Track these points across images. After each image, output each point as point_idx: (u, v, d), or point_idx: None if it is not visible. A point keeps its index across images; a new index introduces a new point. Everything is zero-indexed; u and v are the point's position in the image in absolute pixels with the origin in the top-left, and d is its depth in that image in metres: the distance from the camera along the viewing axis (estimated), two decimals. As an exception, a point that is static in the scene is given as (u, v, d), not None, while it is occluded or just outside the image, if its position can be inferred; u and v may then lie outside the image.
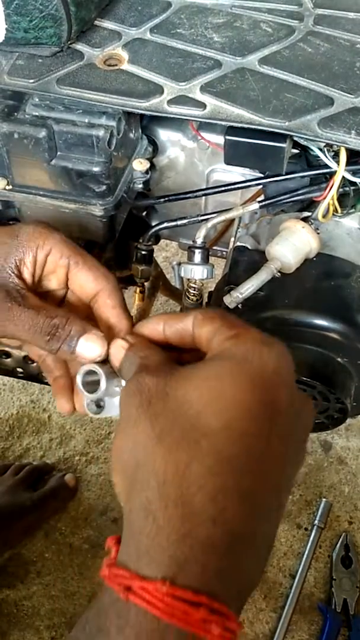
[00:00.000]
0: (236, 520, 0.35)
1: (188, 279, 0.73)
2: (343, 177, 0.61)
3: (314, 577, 1.16)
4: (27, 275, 0.52)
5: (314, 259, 0.66)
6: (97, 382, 0.48)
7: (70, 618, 1.12)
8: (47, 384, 0.88)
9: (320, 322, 0.64)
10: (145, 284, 0.92)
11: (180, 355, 0.47)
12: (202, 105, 0.59)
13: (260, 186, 0.68)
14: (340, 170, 0.60)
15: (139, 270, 0.78)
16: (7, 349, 0.80)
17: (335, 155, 0.61)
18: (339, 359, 0.67)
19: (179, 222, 0.70)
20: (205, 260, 0.69)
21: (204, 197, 0.76)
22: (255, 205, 0.67)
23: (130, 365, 0.46)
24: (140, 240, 0.75)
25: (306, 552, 1.18)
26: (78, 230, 0.67)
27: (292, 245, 0.63)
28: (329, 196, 0.62)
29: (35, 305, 0.51)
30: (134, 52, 0.64)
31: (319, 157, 0.62)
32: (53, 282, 0.54)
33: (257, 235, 0.71)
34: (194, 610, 0.33)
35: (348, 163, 0.60)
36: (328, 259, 0.67)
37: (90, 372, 0.49)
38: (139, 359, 0.45)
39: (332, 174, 0.61)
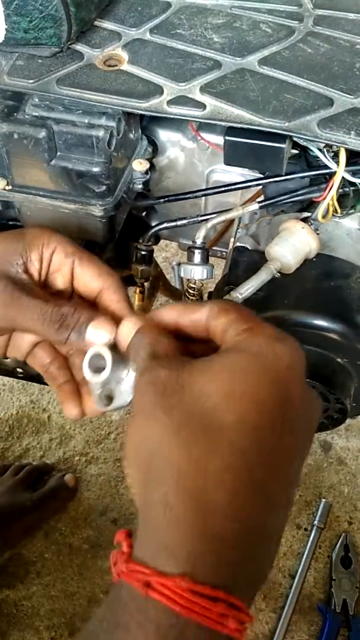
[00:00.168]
0: (250, 513, 0.36)
1: (188, 279, 0.73)
2: (343, 177, 0.61)
3: (313, 577, 1.16)
4: (34, 272, 0.54)
5: (314, 259, 0.66)
6: (104, 369, 0.48)
7: (70, 618, 1.12)
8: (47, 384, 0.88)
9: (320, 322, 0.64)
10: (145, 284, 0.92)
11: (188, 346, 0.47)
12: (202, 106, 0.59)
13: (260, 187, 0.68)
14: (340, 170, 0.60)
15: (139, 271, 0.78)
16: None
17: (335, 156, 0.61)
18: (338, 360, 0.67)
19: (178, 223, 0.70)
20: (205, 260, 0.69)
21: (203, 198, 0.76)
22: (255, 206, 0.67)
23: (139, 348, 0.46)
24: (140, 241, 0.75)
25: (306, 552, 1.18)
26: (78, 230, 0.67)
27: (292, 245, 0.63)
28: (329, 197, 0.63)
29: (43, 297, 0.53)
30: (134, 52, 0.64)
31: (318, 157, 0.62)
32: (59, 281, 0.55)
33: (257, 236, 0.71)
34: (212, 605, 0.33)
35: (348, 163, 0.60)
36: (328, 259, 0.67)
37: (97, 357, 0.49)
38: (148, 343, 0.45)
39: (332, 174, 0.61)
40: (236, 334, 0.42)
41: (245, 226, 0.72)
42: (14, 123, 0.61)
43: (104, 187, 0.63)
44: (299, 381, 0.41)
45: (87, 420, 1.31)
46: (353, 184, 0.63)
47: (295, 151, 0.65)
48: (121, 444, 1.28)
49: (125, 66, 0.63)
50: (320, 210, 0.64)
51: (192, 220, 0.70)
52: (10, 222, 0.73)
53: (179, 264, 1.43)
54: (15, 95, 0.63)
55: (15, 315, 0.51)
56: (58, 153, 0.62)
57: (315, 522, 1.20)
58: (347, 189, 0.64)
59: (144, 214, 0.79)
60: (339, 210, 0.65)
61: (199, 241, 0.68)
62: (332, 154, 0.61)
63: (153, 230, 0.72)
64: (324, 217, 0.64)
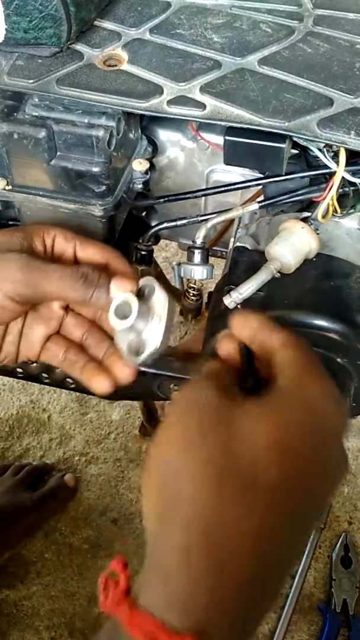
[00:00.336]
0: (269, 580, 0.35)
1: (188, 280, 0.73)
2: (342, 177, 0.61)
3: (313, 577, 1.16)
4: (40, 254, 0.56)
5: (314, 259, 0.66)
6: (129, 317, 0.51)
7: (70, 618, 1.12)
8: (46, 384, 0.88)
9: (320, 322, 0.64)
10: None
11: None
12: (202, 106, 0.59)
13: (260, 186, 0.68)
14: (340, 170, 0.60)
15: (139, 271, 0.78)
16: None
17: (335, 156, 0.61)
18: (338, 359, 0.67)
19: (178, 223, 0.70)
20: (205, 260, 0.69)
21: (203, 198, 0.76)
22: (254, 206, 0.67)
23: (212, 362, 0.45)
24: (140, 241, 0.75)
25: (306, 552, 1.17)
26: (78, 230, 0.66)
27: (292, 245, 0.63)
28: (329, 196, 0.63)
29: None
30: (134, 52, 0.64)
31: (318, 157, 0.62)
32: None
33: (257, 236, 0.71)
34: None
35: (347, 163, 0.60)
36: (327, 259, 0.67)
37: (121, 306, 0.51)
38: (220, 367, 0.44)
39: (332, 174, 0.61)
40: (294, 374, 0.41)
41: (245, 226, 0.72)
42: (14, 123, 0.61)
43: (103, 187, 0.63)
44: (341, 448, 0.40)
45: (87, 420, 1.31)
46: (353, 183, 0.63)
47: (295, 151, 0.65)
48: (121, 443, 1.28)
49: (125, 66, 0.63)
50: (320, 210, 0.64)
51: (192, 220, 0.70)
52: (10, 222, 0.73)
53: (179, 264, 1.43)
54: (15, 95, 0.63)
55: (38, 278, 0.52)
56: (58, 153, 0.62)
57: (315, 522, 1.20)
58: (347, 189, 0.64)
59: (143, 213, 0.79)
60: (338, 210, 0.65)
61: (199, 241, 0.68)
62: (332, 154, 0.61)
63: (153, 230, 0.72)
64: (323, 217, 0.64)
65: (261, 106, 0.58)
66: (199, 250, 0.69)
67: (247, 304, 0.64)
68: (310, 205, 0.68)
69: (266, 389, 0.41)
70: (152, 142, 0.71)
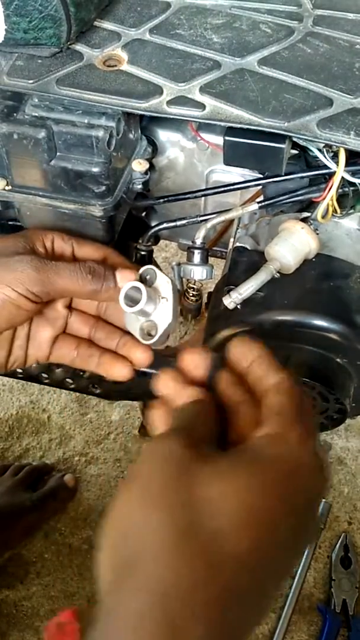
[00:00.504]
0: None
1: (187, 280, 0.73)
2: (342, 177, 0.61)
3: (313, 577, 1.16)
4: (42, 255, 0.58)
5: (313, 259, 0.66)
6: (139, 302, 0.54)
7: (70, 618, 1.12)
8: (46, 384, 0.88)
9: (320, 322, 0.64)
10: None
11: (237, 392, 0.45)
12: (202, 106, 0.59)
13: (260, 187, 0.68)
14: (340, 170, 0.60)
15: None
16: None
17: (335, 156, 0.61)
18: (338, 360, 0.67)
19: (178, 223, 0.70)
20: (204, 260, 0.69)
21: (203, 198, 0.76)
22: (254, 206, 0.67)
23: (187, 413, 0.43)
24: (140, 241, 0.75)
25: (305, 552, 1.17)
26: (77, 230, 0.67)
27: (292, 245, 0.63)
28: (328, 197, 0.63)
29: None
30: (134, 52, 0.64)
31: (318, 157, 0.62)
32: None
33: (257, 236, 0.71)
34: None
35: (347, 164, 0.60)
36: (327, 259, 0.67)
37: (130, 293, 0.55)
38: (191, 402, 0.43)
39: (331, 174, 0.61)
40: (278, 429, 0.39)
41: (244, 226, 0.72)
42: (14, 123, 0.61)
43: (103, 188, 0.63)
44: (314, 509, 0.40)
45: (87, 420, 1.31)
46: (352, 184, 0.63)
47: (294, 151, 0.65)
48: (121, 444, 1.28)
49: (125, 66, 0.63)
50: (319, 211, 0.64)
51: (191, 220, 0.70)
52: (10, 222, 0.73)
53: (178, 264, 1.43)
54: (14, 95, 0.63)
55: (50, 275, 0.55)
56: (58, 153, 0.62)
57: (315, 522, 1.20)
58: (346, 189, 0.64)
59: (143, 214, 0.79)
60: (338, 210, 0.65)
61: (198, 241, 0.68)
62: (331, 154, 0.61)
63: (153, 230, 0.72)
64: (323, 217, 0.64)
65: (261, 106, 0.58)
66: (199, 251, 0.69)
67: (247, 304, 0.64)
68: (310, 205, 0.68)
69: (248, 438, 0.40)
70: (152, 143, 0.71)
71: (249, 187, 0.68)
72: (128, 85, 0.61)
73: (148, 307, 0.55)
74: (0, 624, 1.11)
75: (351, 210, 0.67)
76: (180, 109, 0.60)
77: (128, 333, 0.60)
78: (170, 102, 0.60)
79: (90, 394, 0.91)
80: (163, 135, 0.72)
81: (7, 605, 1.13)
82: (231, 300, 0.63)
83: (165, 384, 0.46)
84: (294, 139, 0.60)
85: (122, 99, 0.60)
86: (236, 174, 0.72)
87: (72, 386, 0.88)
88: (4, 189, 0.66)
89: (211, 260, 0.71)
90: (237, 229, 0.72)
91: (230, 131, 0.60)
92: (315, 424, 0.40)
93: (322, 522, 1.20)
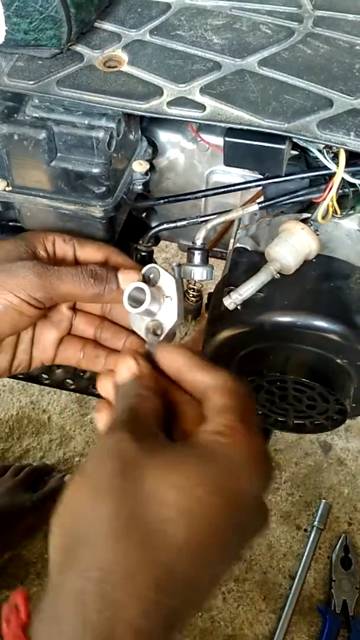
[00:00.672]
0: (158, 634, 0.35)
1: (188, 281, 0.73)
2: (342, 178, 0.61)
3: (313, 578, 1.16)
4: (44, 259, 0.58)
5: (314, 260, 0.66)
6: (143, 303, 0.54)
7: (70, 619, 1.12)
8: (46, 385, 0.88)
9: (320, 323, 0.64)
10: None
11: (175, 394, 0.46)
12: (202, 107, 0.59)
13: (260, 187, 0.68)
14: (340, 171, 0.60)
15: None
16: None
17: (335, 157, 0.61)
18: (338, 360, 0.67)
19: (178, 224, 0.70)
20: (204, 261, 0.69)
21: (203, 199, 0.76)
22: (254, 207, 0.67)
23: (124, 396, 0.45)
24: (140, 242, 0.75)
25: (306, 553, 1.18)
26: (78, 231, 0.67)
27: (292, 246, 0.63)
28: (329, 197, 0.63)
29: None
30: (134, 53, 0.64)
31: (318, 158, 0.62)
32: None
33: (257, 237, 0.71)
34: None
35: (347, 164, 0.60)
36: (327, 260, 0.67)
37: (133, 295, 0.55)
38: (136, 397, 0.44)
39: (332, 175, 0.62)
40: (222, 427, 0.41)
41: (245, 227, 0.72)
42: (14, 124, 0.61)
43: (103, 188, 0.63)
44: (258, 510, 0.40)
45: (87, 421, 1.31)
46: (353, 184, 0.63)
47: (295, 152, 0.65)
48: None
49: (125, 67, 0.63)
50: (320, 211, 0.64)
51: (192, 221, 0.70)
52: (11, 223, 0.73)
53: (179, 265, 1.43)
54: (15, 96, 0.63)
55: (53, 281, 0.54)
56: (58, 154, 0.62)
57: (315, 523, 1.20)
58: (346, 190, 0.64)
59: (143, 215, 0.79)
60: (338, 211, 0.65)
61: (198, 242, 0.68)
62: (331, 155, 0.61)
63: (153, 231, 0.73)
64: (323, 218, 0.65)
65: (261, 107, 0.59)
66: (199, 251, 0.69)
67: (247, 305, 0.64)
68: (310, 206, 0.68)
69: (192, 434, 0.42)
70: (152, 144, 0.71)
71: (249, 188, 0.68)
72: (128, 86, 0.61)
73: (152, 307, 0.55)
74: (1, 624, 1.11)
75: (351, 211, 0.67)
76: (181, 110, 0.60)
77: (134, 333, 0.59)
78: (170, 103, 0.60)
79: (90, 394, 0.91)
80: (163, 136, 0.72)
81: (7, 606, 1.13)
82: (231, 301, 0.63)
83: (104, 388, 0.49)
84: (294, 140, 0.61)
85: (122, 100, 0.60)
86: (236, 175, 0.72)
87: (73, 387, 0.88)
88: (5, 190, 0.66)
89: (211, 261, 0.71)
90: (237, 229, 0.72)
91: (230, 132, 0.60)
92: (258, 419, 0.41)
93: (322, 522, 1.20)
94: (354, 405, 0.72)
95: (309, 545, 1.18)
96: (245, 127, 0.58)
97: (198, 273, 0.69)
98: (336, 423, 0.75)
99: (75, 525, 0.38)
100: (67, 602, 0.35)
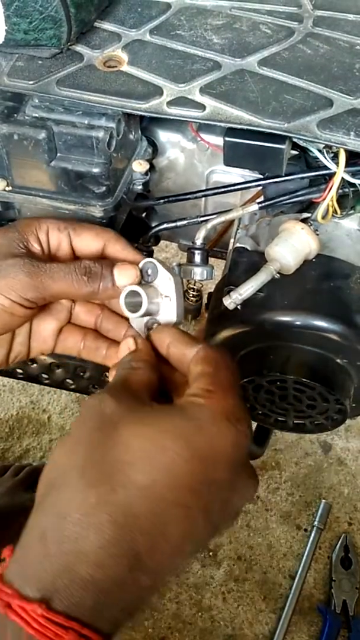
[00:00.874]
0: (119, 571, 0.37)
1: (188, 280, 0.73)
2: (342, 178, 0.61)
3: (313, 578, 1.16)
4: (37, 253, 0.56)
5: (314, 260, 0.66)
6: (140, 304, 0.53)
7: (70, 619, 1.12)
8: (46, 384, 0.88)
9: (320, 323, 0.64)
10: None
11: (172, 375, 0.49)
12: (202, 107, 0.59)
13: (260, 187, 0.68)
14: (340, 171, 0.60)
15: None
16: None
17: (335, 157, 0.61)
18: (338, 360, 0.67)
19: (178, 223, 0.70)
20: (204, 261, 0.69)
21: (203, 199, 0.76)
22: (254, 207, 0.67)
23: (119, 369, 0.48)
24: (140, 241, 0.75)
25: (306, 553, 1.18)
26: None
27: (292, 246, 0.63)
28: (329, 197, 0.63)
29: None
30: (134, 53, 0.64)
31: (318, 158, 0.62)
32: (62, 259, 0.57)
33: (257, 237, 0.71)
34: (64, 633, 0.35)
35: (347, 164, 0.60)
36: (327, 260, 0.67)
37: (130, 295, 0.54)
38: (129, 368, 0.47)
39: (332, 175, 0.62)
40: (199, 390, 0.43)
41: (245, 227, 0.72)
42: (14, 124, 0.61)
43: (103, 188, 0.63)
44: (230, 467, 0.41)
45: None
46: (353, 184, 0.63)
47: (295, 152, 0.65)
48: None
49: (125, 67, 0.63)
50: (320, 211, 0.64)
51: (192, 221, 0.70)
52: (11, 223, 0.73)
53: (179, 265, 1.43)
54: (15, 96, 0.63)
55: (44, 280, 0.53)
56: (58, 154, 0.62)
57: (315, 523, 1.21)
58: (346, 190, 0.64)
59: (144, 214, 0.79)
60: (338, 211, 0.65)
61: (198, 242, 0.68)
62: (331, 155, 0.61)
63: (153, 231, 0.73)
64: (323, 217, 0.65)
65: (261, 107, 0.59)
66: (199, 251, 0.69)
67: (247, 304, 0.64)
68: (310, 206, 0.68)
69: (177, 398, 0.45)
70: (152, 143, 0.71)
71: (249, 187, 0.68)
72: (128, 86, 0.61)
73: (150, 309, 0.54)
74: (1, 624, 1.11)
75: (351, 211, 0.67)
76: (181, 109, 0.60)
77: None
78: (170, 103, 0.60)
79: (90, 394, 0.91)
80: (163, 136, 0.72)
81: (7, 606, 1.13)
82: (231, 301, 0.63)
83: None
84: (294, 140, 0.61)
85: (122, 100, 0.60)
86: (236, 175, 0.72)
87: (73, 387, 0.88)
88: (5, 190, 0.66)
89: (211, 260, 0.71)
90: (237, 229, 0.72)
91: (230, 132, 0.60)
92: (239, 385, 0.44)
93: (322, 522, 1.20)
94: (354, 405, 0.72)
95: (309, 545, 1.18)
96: (245, 127, 0.58)
97: (198, 273, 0.69)
98: (336, 423, 0.74)
99: (51, 474, 0.42)
100: (31, 540, 0.39)
